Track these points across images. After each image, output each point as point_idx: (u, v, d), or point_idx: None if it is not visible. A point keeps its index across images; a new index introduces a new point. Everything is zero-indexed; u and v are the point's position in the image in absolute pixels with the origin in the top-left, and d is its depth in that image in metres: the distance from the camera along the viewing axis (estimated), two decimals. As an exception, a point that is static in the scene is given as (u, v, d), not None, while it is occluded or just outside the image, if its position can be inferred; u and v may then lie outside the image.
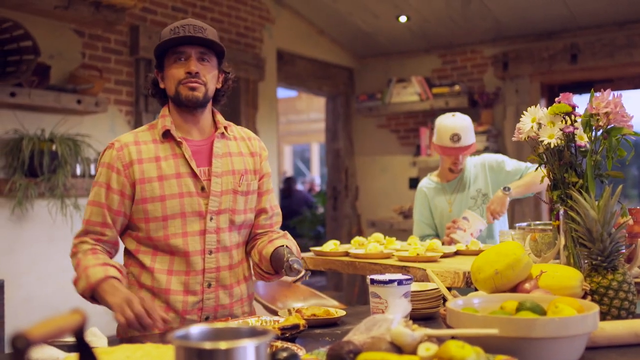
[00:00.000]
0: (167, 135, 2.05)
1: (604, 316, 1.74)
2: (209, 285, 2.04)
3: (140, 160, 2.01)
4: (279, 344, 1.49)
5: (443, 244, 3.05)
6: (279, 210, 2.28)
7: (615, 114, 1.84)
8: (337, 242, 2.87)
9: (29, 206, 4.00)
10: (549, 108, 1.93)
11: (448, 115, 3.43)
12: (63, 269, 4.18)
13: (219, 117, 2.17)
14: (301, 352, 1.43)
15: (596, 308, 1.39)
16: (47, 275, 4.17)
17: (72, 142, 4.05)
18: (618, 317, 1.73)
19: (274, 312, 3.17)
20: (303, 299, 3.36)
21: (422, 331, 1.29)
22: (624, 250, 2.14)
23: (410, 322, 1.39)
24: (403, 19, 6.07)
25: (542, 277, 1.77)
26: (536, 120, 1.94)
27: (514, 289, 1.77)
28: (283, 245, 2.05)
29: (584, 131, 1.87)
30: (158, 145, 2.04)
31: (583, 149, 1.90)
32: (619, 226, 1.80)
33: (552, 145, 1.90)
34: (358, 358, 1.22)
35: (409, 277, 1.80)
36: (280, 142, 14.17)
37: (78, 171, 4.21)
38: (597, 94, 1.88)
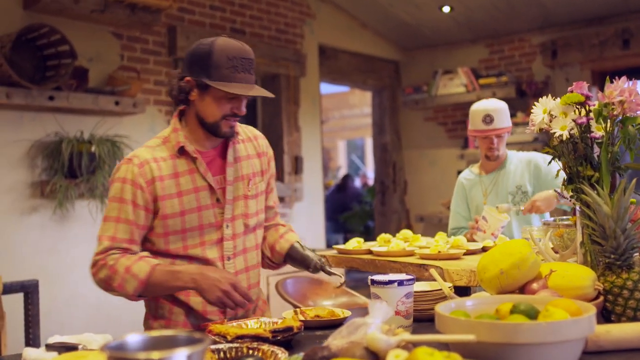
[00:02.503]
0: (182, 150, 2.05)
1: (619, 318, 1.64)
2: None
3: (161, 177, 2.01)
4: (265, 347, 1.46)
5: (469, 240, 2.95)
6: (278, 203, 2.39)
7: (630, 102, 1.73)
8: (361, 239, 2.82)
9: (69, 207, 4.09)
10: (561, 98, 1.83)
11: (483, 99, 3.36)
12: (104, 267, 4.27)
13: None
14: (283, 355, 1.40)
15: (592, 311, 1.31)
16: (88, 275, 4.24)
17: (110, 143, 4.12)
18: (634, 318, 1.63)
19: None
20: (334, 297, 3.31)
21: (399, 336, 1.24)
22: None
23: (394, 326, 1.33)
24: (446, 9, 5.94)
25: (552, 277, 1.68)
26: (547, 111, 1.85)
27: (522, 289, 1.70)
28: (298, 242, 2.18)
29: (597, 121, 1.77)
30: (175, 161, 2.04)
31: (599, 141, 1.80)
32: (635, 222, 1.69)
33: (564, 138, 1.81)
34: (329, 364, 1.18)
35: (411, 277, 1.74)
36: (335, 137, 14.16)
37: (118, 171, 4.28)
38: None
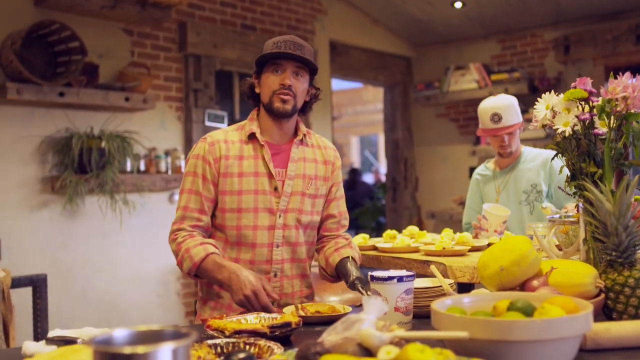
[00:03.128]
0: (252, 137, 2.23)
1: (620, 315, 1.63)
2: (275, 275, 2.21)
3: (227, 156, 2.20)
4: (262, 342, 1.46)
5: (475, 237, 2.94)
6: (347, 215, 2.40)
7: (634, 98, 1.71)
8: (367, 235, 2.82)
9: (79, 202, 4.12)
10: (564, 94, 1.81)
11: (490, 96, 3.31)
12: (115, 263, 4.31)
13: (301, 125, 2.33)
14: (279, 350, 1.40)
15: (589, 309, 1.29)
16: (100, 270, 4.29)
17: (120, 138, 4.14)
18: (635, 316, 1.61)
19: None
20: (341, 293, 3.32)
21: (392, 333, 1.23)
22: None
23: (389, 322, 1.33)
24: (458, 4, 5.91)
25: (553, 274, 1.67)
26: (550, 108, 1.83)
27: (522, 286, 1.69)
28: (349, 257, 2.19)
29: (600, 118, 1.75)
30: (243, 146, 2.22)
31: (602, 137, 1.78)
32: (638, 219, 1.67)
33: (567, 134, 1.79)
34: (321, 359, 1.18)
35: (411, 273, 1.73)
36: (348, 133, 14.14)
37: (128, 167, 4.31)
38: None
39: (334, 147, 2.43)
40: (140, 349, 0.87)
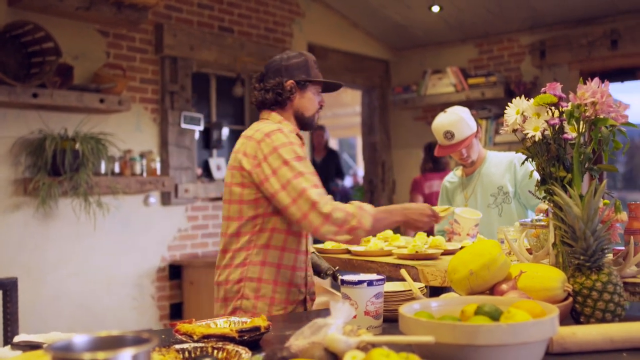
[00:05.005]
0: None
1: (587, 319, 1.64)
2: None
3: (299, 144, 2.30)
4: (230, 347, 1.45)
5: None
6: None
7: (602, 104, 1.73)
8: (340, 239, 2.81)
9: (52, 204, 4.08)
10: (534, 99, 1.83)
11: (441, 113, 3.31)
12: (89, 266, 4.27)
13: None
14: (247, 355, 1.39)
15: (555, 312, 1.30)
16: (73, 273, 4.25)
17: (94, 140, 4.11)
18: (602, 319, 1.63)
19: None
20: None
21: (359, 337, 1.23)
22: (621, 248, 2.03)
23: (356, 327, 1.33)
24: (436, 9, 5.94)
25: (522, 278, 1.68)
26: (520, 112, 1.85)
27: (492, 290, 1.69)
28: (314, 252, 2.43)
29: (569, 122, 1.76)
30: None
31: (571, 142, 1.80)
32: (605, 223, 1.69)
33: (537, 139, 1.81)
34: (287, 365, 1.18)
35: (381, 277, 1.73)
36: (327, 136, 14.11)
37: (102, 169, 4.27)
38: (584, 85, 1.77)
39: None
40: (99, 355, 0.86)
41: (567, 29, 5.82)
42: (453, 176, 3.48)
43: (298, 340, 1.29)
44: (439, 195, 3.56)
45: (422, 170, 5.96)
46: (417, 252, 2.44)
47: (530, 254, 2.08)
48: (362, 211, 2.12)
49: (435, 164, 5.84)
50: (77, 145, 4.02)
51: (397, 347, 1.25)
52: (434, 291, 2.25)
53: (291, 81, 2.34)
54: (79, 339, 0.92)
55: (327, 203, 2.11)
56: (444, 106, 6.59)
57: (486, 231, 3.13)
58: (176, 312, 4.84)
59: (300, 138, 2.35)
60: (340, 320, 1.29)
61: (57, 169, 3.99)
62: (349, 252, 2.66)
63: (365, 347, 1.21)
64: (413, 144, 6.94)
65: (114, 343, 0.92)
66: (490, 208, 3.24)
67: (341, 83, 2.52)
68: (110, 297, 4.44)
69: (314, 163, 6.28)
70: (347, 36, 6.51)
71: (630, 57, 5.48)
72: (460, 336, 1.23)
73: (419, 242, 2.57)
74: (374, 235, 2.86)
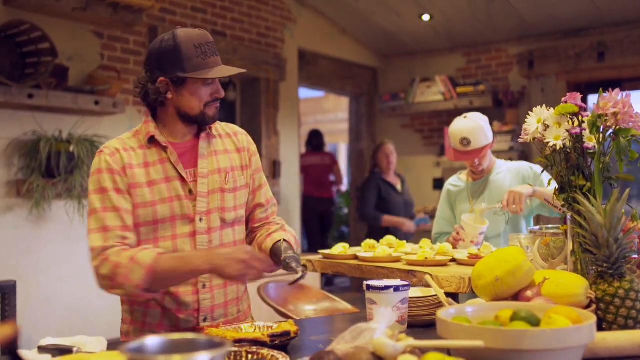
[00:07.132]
0: (152, 140, 2.01)
1: (610, 326, 1.67)
2: (204, 286, 1.99)
3: (131, 165, 1.96)
4: (265, 351, 1.45)
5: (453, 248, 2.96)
6: (274, 201, 2.26)
7: (624, 114, 1.76)
8: (347, 245, 2.82)
9: (46, 207, 4.03)
10: (556, 108, 1.86)
11: (460, 117, 3.29)
12: (81, 269, 4.21)
13: None
14: (284, 360, 1.39)
15: (593, 319, 1.33)
16: (66, 275, 4.20)
17: (89, 143, 4.07)
18: (625, 327, 1.65)
19: (285, 316, 3.13)
20: (315, 302, 3.32)
21: (405, 342, 1.24)
22: (636, 256, 2.06)
23: (397, 332, 1.34)
24: (426, 17, 5.99)
25: (545, 285, 1.70)
26: (542, 121, 1.88)
27: (516, 296, 1.71)
28: (281, 240, 2.03)
29: (591, 132, 1.80)
30: (145, 151, 2.00)
31: (591, 151, 1.83)
32: (627, 231, 1.72)
33: (558, 147, 1.84)
34: (336, 369, 1.18)
35: (407, 283, 1.75)
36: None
37: (96, 172, 4.23)
38: (605, 94, 1.81)
39: (245, 132, 2.22)
40: (176, 358, 0.85)
41: (555, 40, 5.91)
42: (457, 180, 3.45)
43: (340, 345, 1.30)
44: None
45: None
46: (426, 258, 2.46)
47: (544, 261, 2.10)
48: (133, 264, 1.80)
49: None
50: (72, 148, 3.98)
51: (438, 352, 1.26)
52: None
53: (163, 78, 1.96)
54: (152, 341, 0.92)
55: (100, 255, 1.85)
56: (432, 114, 6.71)
57: (493, 239, 3.14)
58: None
59: (165, 148, 1.99)
60: (383, 324, 1.30)
61: (51, 171, 3.94)
62: (356, 257, 2.66)
63: (413, 352, 1.22)
64: (400, 152, 6.96)
65: (187, 346, 0.92)
66: (497, 215, 3.25)
67: (235, 69, 2.03)
68: (101, 301, 4.38)
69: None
70: (337, 43, 6.54)
71: (616, 69, 5.58)
72: (505, 341, 1.24)
73: (427, 248, 2.59)
74: (377, 243, 2.86)
